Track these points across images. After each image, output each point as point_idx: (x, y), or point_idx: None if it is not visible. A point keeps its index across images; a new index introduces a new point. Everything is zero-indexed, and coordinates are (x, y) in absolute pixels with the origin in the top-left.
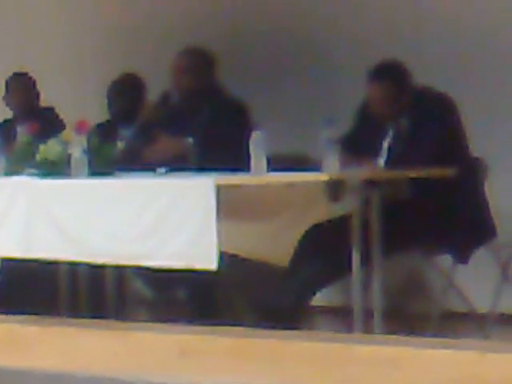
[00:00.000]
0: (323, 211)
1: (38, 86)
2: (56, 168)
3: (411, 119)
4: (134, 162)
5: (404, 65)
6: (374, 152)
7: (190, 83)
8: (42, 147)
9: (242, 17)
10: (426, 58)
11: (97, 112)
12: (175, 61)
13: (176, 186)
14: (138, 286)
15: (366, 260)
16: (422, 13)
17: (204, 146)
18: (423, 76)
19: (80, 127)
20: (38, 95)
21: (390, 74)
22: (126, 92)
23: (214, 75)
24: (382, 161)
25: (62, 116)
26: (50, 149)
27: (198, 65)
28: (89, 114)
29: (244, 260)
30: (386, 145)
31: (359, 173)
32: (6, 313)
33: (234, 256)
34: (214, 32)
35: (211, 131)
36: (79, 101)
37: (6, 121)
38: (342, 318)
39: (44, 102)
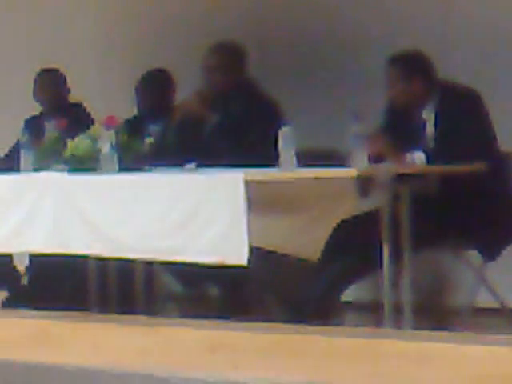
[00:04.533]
0: (352, 206)
1: (68, 82)
2: (84, 164)
3: (438, 113)
4: (164, 159)
5: (424, 54)
6: (404, 146)
7: (222, 80)
8: (70, 143)
9: (272, 11)
10: (455, 52)
11: (125, 107)
12: (206, 57)
13: (205, 181)
14: (168, 281)
15: (395, 255)
16: (451, 7)
17: (235, 142)
18: (451, 70)
19: (109, 123)
20: (67, 91)
21: (405, 61)
22: (155, 87)
23: (245, 71)
24: (421, 154)
25: (90, 111)
26: (78, 144)
27: (230, 61)
28: (117, 109)
29: (274, 255)
30: (427, 137)
31: (388, 168)
32: (37, 309)
33: (264, 251)
34: (243, 27)
35: (243, 127)
36: (108, 96)
37: (34, 116)
38: (371, 314)
39: (73, 97)
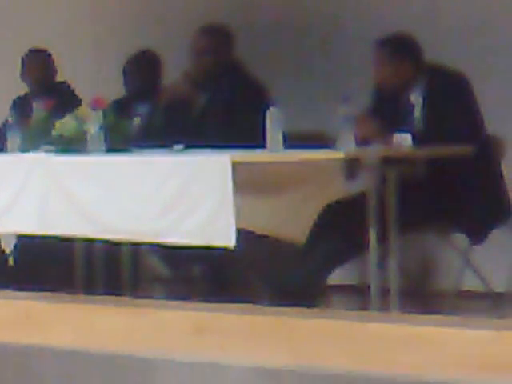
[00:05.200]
0: (339, 189)
1: (55, 62)
2: (72, 144)
3: (425, 96)
4: (151, 140)
5: (412, 37)
6: (391, 128)
7: (210, 61)
8: (57, 123)
9: None
10: (441, 35)
11: (113, 88)
12: (194, 39)
13: (192, 162)
14: (154, 262)
15: (382, 238)
16: None
17: (222, 123)
18: (438, 53)
19: (96, 103)
20: (54, 72)
21: (393, 43)
22: (143, 69)
23: (232, 53)
24: (407, 136)
25: (78, 92)
26: (65, 125)
27: (218, 43)
28: (105, 90)
29: (260, 237)
30: (415, 120)
31: (375, 150)
32: (22, 289)
33: (250, 233)
34: (231, 8)
35: (230, 108)
36: (95, 77)
37: (21, 97)
38: (358, 297)
39: (60, 78)
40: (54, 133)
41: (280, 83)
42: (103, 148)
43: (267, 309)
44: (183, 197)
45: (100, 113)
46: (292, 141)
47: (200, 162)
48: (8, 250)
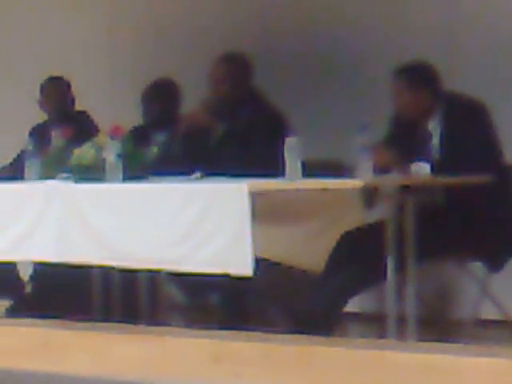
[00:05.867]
0: (357, 217)
1: (73, 90)
2: (90, 172)
3: (443, 125)
4: (169, 168)
5: (430, 65)
6: (409, 157)
7: (229, 90)
8: (75, 151)
9: (279, 21)
10: (460, 64)
11: (131, 117)
12: (213, 67)
13: (210, 190)
14: (172, 290)
15: (400, 267)
16: (457, 18)
17: (240, 152)
18: (457, 82)
19: (114, 132)
20: (72, 100)
21: (411, 72)
22: (161, 97)
23: (251, 81)
24: (425, 165)
25: (96, 120)
26: (83, 153)
27: (237, 71)
28: (123, 118)
29: (277, 265)
30: (433, 148)
31: (393, 179)
32: (40, 317)
33: (268, 261)
34: (249, 37)
35: (249, 137)
36: (114, 105)
37: (40, 125)
38: (375, 325)
39: (78, 106)
40: (72, 161)
41: (299, 112)
42: (121, 176)
43: (284, 337)
44: (201, 225)
45: (118, 141)
46: (310, 170)
47: (218, 189)
48: (25, 277)
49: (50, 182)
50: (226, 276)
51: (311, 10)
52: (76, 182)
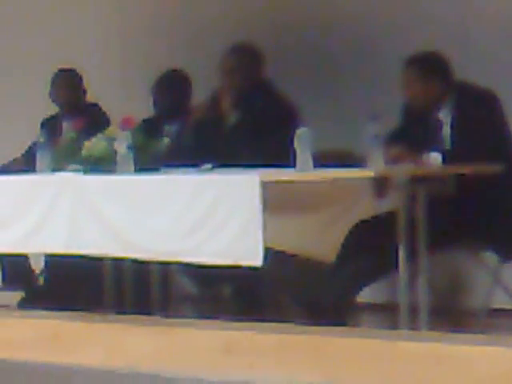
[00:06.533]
0: (369, 207)
1: (84, 82)
2: (101, 164)
3: (454, 114)
4: (181, 159)
5: (441, 55)
6: (420, 147)
7: (239, 81)
8: (87, 143)
9: (288, 11)
10: (471, 53)
11: (142, 108)
12: (224, 58)
13: (221, 182)
14: (184, 282)
15: (411, 256)
16: (470, 8)
17: (251, 143)
18: (468, 71)
19: (125, 123)
20: (84, 91)
21: (422, 62)
22: (172, 88)
23: (262, 72)
24: (437, 155)
25: (107, 112)
26: (95, 145)
27: (247, 62)
28: (134, 110)
29: (289, 256)
30: (444, 138)
31: (404, 169)
32: (52, 309)
33: (279, 252)
34: (260, 28)
35: (259, 128)
36: (124, 97)
37: (51, 117)
38: (387, 315)
39: (89, 97)
40: (83, 153)
41: (309, 102)
42: (132, 168)
43: (297, 327)
44: (211, 216)
45: (129, 133)
46: (321, 160)
47: (228, 180)
48: (37, 269)
49: (61, 174)
50: (238, 267)
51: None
52: (87, 173)
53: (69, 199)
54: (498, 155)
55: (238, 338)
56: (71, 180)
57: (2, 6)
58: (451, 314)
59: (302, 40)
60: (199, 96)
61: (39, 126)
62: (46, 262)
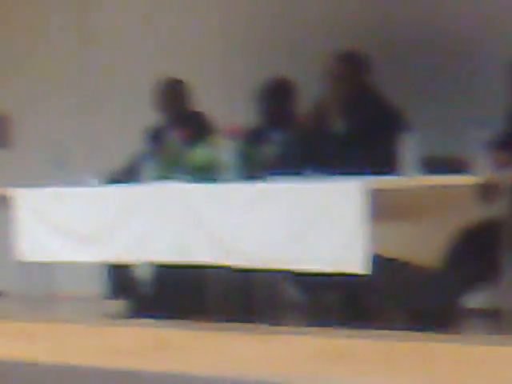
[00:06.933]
0: (475, 213)
1: (190, 91)
2: (206, 172)
3: None
4: (286, 167)
5: None
6: None
7: (346, 88)
8: (192, 152)
9: (394, 17)
10: None
11: (247, 117)
12: (331, 66)
13: (326, 189)
14: (289, 289)
15: None
16: None
17: (357, 149)
18: None
19: (230, 132)
20: (189, 101)
21: None
22: (277, 96)
23: (368, 79)
24: None
25: (212, 121)
26: (200, 154)
27: (354, 69)
28: (239, 118)
29: (394, 262)
30: None
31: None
32: (158, 318)
33: (384, 258)
34: (367, 35)
35: (366, 135)
36: (230, 105)
37: (157, 126)
38: (493, 321)
39: (195, 106)
40: (188, 162)
41: (416, 108)
42: (237, 176)
43: (403, 334)
44: (317, 223)
45: (234, 141)
46: (427, 166)
47: (334, 188)
48: (145, 278)
49: (166, 183)
50: (344, 274)
51: (427, 4)
52: (192, 182)
53: (174, 208)
54: None
55: (345, 345)
56: (176, 189)
57: (112, 18)
58: None
59: (410, 44)
60: (305, 104)
61: (145, 135)
62: (152, 271)
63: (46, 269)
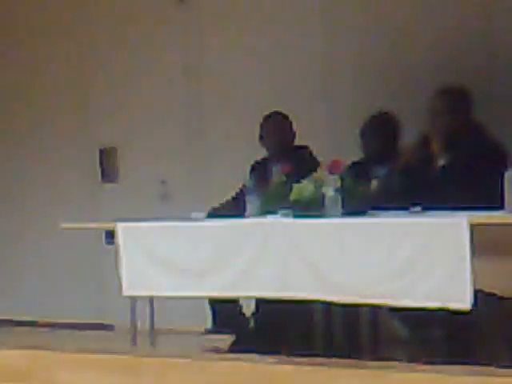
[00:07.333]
0: None
1: (292, 125)
2: (309, 208)
3: None
4: (389, 202)
5: None
6: None
7: (450, 122)
8: (295, 186)
9: (498, 51)
10: None
11: (351, 151)
12: (434, 100)
13: (429, 224)
14: (394, 325)
15: None
16: None
17: (461, 185)
18: None
19: (333, 167)
20: (293, 135)
21: None
22: (381, 130)
23: (471, 113)
24: None
25: (316, 155)
26: (303, 189)
27: (458, 104)
28: (343, 152)
29: (500, 299)
30: None
31: None
32: (263, 353)
33: (490, 294)
34: (469, 69)
35: (469, 170)
36: (333, 139)
37: (261, 160)
38: None
39: (298, 140)
40: (291, 196)
41: None
42: (340, 211)
43: (507, 371)
44: (419, 258)
45: (337, 176)
46: None
47: (437, 223)
48: (249, 313)
49: (270, 218)
50: (447, 310)
51: None
52: (295, 217)
53: (278, 243)
54: None
55: (450, 381)
56: (280, 223)
57: (216, 51)
58: None
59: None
60: (408, 138)
61: (249, 169)
62: (257, 306)
63: (152, 303)
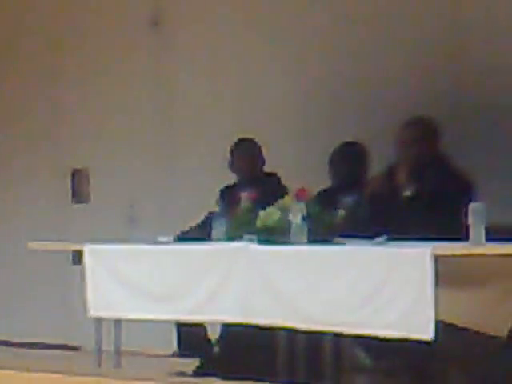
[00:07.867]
0: None
1: (262, 152)
2: (275, 234)
3: None
4: (355, 231)
5: None
6: None
7: (417, 154)
8: (261, 213)
9: (466, 88)
10: None
11: (319, 179)
12: (400, 131)
13: (393, 254)
14: (357, 353)
15: None
16: None
17: (426, 215)
18: None
19: (300, 194)
20: (262, 161)
21: None
22: (349, 160)
23: (438, 145)
24: None
25: (284, 182)
26: (269, 215)
27: (425, 135)
28: (310, 181)
29: (460, 330)
30: None
31: None
32: (227, 378)
33: (450, 325)
34: (436, 101)
35: (434, 201)
36: (301, 167)
37: (229, 186)
38: None
39: (267, 167)
40: (258, 222)
41: (483, 176)
42: (305, 238)
43: None
44: (382, 288)
45: (304, 203)
46: (493, 234)
47: (401, 253)
48: (214, 338)
49: (235, 244)
50: (409, 340)
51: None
52: (261, 242)
53: (243, 268)
54: None
55: None
56: (245, 249)
57: (189, 77)
58: None
59: (480, 112)
60: (375, 168)
61: (218, 194)
62: (222, 331)
63: (118, 325)
